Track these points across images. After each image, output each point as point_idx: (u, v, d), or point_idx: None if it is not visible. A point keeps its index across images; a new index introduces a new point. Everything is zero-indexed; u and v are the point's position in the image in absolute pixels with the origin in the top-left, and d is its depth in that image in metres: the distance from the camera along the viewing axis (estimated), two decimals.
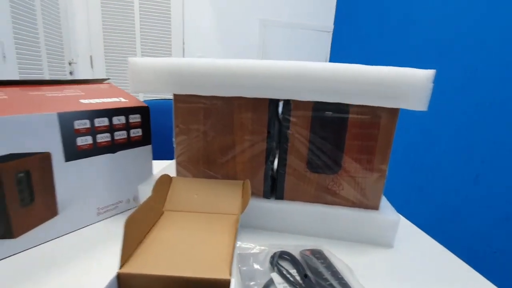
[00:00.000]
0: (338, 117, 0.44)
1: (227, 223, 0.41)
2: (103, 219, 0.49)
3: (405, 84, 0.39)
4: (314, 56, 3.44)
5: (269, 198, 0.49)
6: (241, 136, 0.47)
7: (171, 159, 0.65)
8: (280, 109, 0.47)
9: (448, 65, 1.73)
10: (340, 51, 3.27)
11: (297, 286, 0.35)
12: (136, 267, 0.29)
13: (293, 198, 0.49)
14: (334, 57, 3.39)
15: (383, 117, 0.43)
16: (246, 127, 0.46)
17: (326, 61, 3.48)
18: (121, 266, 0.29)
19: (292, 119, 0.45)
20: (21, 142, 0.37)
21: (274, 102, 0.45)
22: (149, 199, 0.38)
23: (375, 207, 0.47)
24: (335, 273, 0.36)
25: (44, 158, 0.39)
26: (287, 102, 0.45)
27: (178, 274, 0.28)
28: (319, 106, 0.44)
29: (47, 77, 2.32)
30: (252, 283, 0.36)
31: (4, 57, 1.85)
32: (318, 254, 0.40)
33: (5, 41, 1.85)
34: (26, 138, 0.37)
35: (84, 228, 0.46)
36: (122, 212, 0.52)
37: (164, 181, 0.45)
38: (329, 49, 3.43)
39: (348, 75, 0.40)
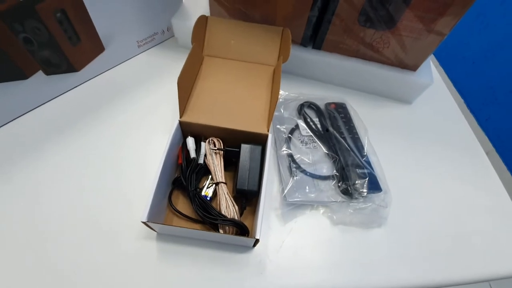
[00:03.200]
0: None
1: (265, 75, 0.43)
2: (144, 51, 0.51)
3: None
4: None
5: (306, 46, 0.48)
6: None
7: None
8: None
9: None
10: None
11: (317, 134, 0.43)
12: (193, 117, 0.36)
13: (332, 49, 0.47)
14: None
15: None
16: None
17: None
18: (181, 115, 0.36)
19: None
20: None
21: None
22: (192, 51, 0.38)
23: (414, 68, 0.46)
24: (352, 128, 0.43)
25: None
26: None
27: (228, 126, 0.36)
28: None
29: None
30: (281, 126, 0.44)
31: None
32: (340, 108, 0.46)
33: None
34: None
35: (129, 60, 0.50)
36: (159, 43, 0.53)
37: (201, 23, 0.42)
38: None
39: None
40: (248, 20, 0.45)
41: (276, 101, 0.36)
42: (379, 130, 0.46)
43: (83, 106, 0.43)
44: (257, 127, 0.36)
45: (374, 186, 0.36)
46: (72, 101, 0.44)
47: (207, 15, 0.44)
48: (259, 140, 0.36)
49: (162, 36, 0.52)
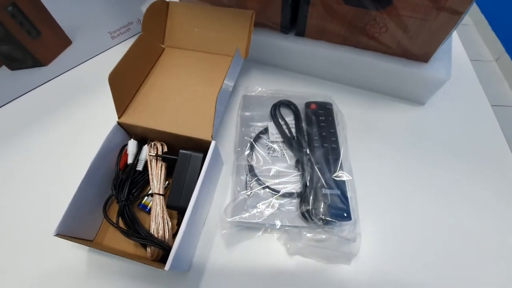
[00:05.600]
0: None
1: (224, 69, 0.37)
2: (119, 43, 0.49)
3: None
4: None
5: (287, 33, 0.40)
6: None
7: None
8: None
9: None
10: None
11: (287, 141, 0.36)
12: (133, 118, 0.32)
13: (317, 36, 0.38)
14: None
15: None
16: None
17: None
18: (119, 116, 0.32)
19: None
20: None
21: None
22: (138, 40, 0.34)
23: (424, 59, 0.35)
24: (330, 135, 0.35)
25: None
26: None
27: (170, 131, 0.31)
28: None
29: None
30: (248, 129, 0.38)
31: None
32: (323, 110, 0.37)
33: None
34: None
35: (103, 53, 0.48)
36: (136, 34, 0.50)
37: (159, 9, 0.37)
38: None
39: None
40: (217, 4, 0.39)
41: (215, 100, 0.30)
42: (375, 137, 0.37)
43: (50, 103, 0.42)
44: (201, 132, 0.31)
45: (340, 213, 0.28)
46: (39, 98, 0.43)
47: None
48: (204, 147, 0.31)
49: (139, 26, 0.49)
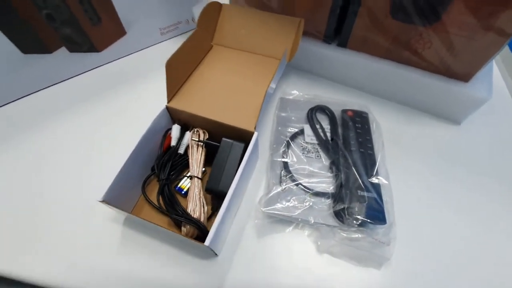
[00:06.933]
0: None
1: (272, 70, 0.39)
2: (167, 39, 0.52)
3: None
4: None
5: (329, 43, 0.42)
6: None
7: None
8: None
9: None
10: None
11: (323, 143, 0.37)
12: (181, 104, 0.34)
13: (359, 48, 0.40)
14: None
15: None
16: None
17: None
18: (169, 100, 0.34)
19: None
20: None
21: None
22: (192, 35, 0.36)
23: (465, 78, 0.36)
24: (366, 142, 0.36)
25: None
26: None
27: (215, 119, 0.32)
28: None
29: None
30: (284, 129, 0.39)
31: None
32: (359, 117, 0.38)
33: None
34: None
35: (152, 47, 0.51)
36: (184, 33, 0.53)
37: (213, 10, 0.40)
38: None
39: None
40: (267, 10, 0.41)
41: (264, 97, 0.31)
42: (406, 151, 0.37)
43: (100, 86, 0.45)
44: (244, 123, 0.32)
45: (376, 215, 0.29)
46: (92, 80, 0.46)
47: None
48: (245, 138, 0.32)
49: (187, 26, 0.52)
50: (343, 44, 0.41)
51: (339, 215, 0.30)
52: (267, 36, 0.40)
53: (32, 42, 0.39)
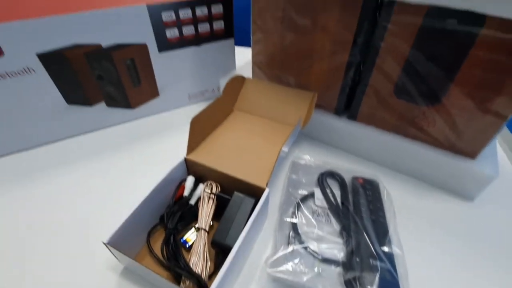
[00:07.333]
0: (462, 31, 0.30)
1: (286, 135, 0.42)
2: (194, 103, 0.58)
3: None
4: None
5: (340, 116, 0.46)
6: (321, 42, 0.40)
7: None
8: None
9: None
10: None
11: (333, 208, 0.36)
12: (199, 157, 0.37)
13: (367, 121, 0.43)
14: None
15: None
16: (328, 31, 0.38)
17: None
18: (188, 153, 0.37)
19: (390, 26, 0.34)
20: (124, 34, 0.43)
21: (371, 0, 0.34)
22: (218, 100, 0.41)
23: (471, 155, 0.38)
24: (377, 210, 0.35)
25: (143, 48, 0.46)
26: (389, 2, 0.33)
27: (229, 173, 0.34)
28: (435, 12, 0.30)
29: None
30: (295, 191, 0.39)
31: None
32: (370, 185, 0.39)
33: None
34: (126, 30, 0.43)
35: (179, 109, 0.57)
36: (209, 100, 0.60)
37: (237, 82, 0.46)
38: None
39: None
40: (284, 84, 0.47)
41: (277, 156, 0.33)
42: (419, 224, 0.36)
43: (128, 138, 0.49)
44: (256, 179, 0.33)
45: (391, 286, 0.26)
46: (122, 132, 0.51)
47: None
48: (256, 194, 0.33)
49: (212, 94, 0.59)
50: (352, 118, 0.44)
51: (350, 284, 0.27)
52: (284, 106, 0.45)
53: (77, 95, 0.45)
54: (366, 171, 0.42)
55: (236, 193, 0.33)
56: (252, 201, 0.32)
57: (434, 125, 0.38)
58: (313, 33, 0.40)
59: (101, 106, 0.48)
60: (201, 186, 0.35)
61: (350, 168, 0.43)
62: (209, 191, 0.34)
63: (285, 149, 0.40)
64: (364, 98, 0.41)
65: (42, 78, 0.41)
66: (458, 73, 0.33)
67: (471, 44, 0.30)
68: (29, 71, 0.40)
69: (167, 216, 0.32)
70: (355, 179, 0.40)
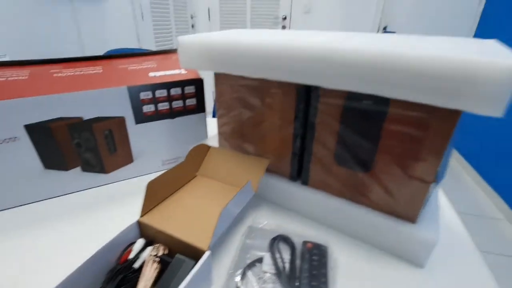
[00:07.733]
0: (375, 110, 0.36)
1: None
2: (167, 169, 0.62)
3: (472, 80, 0.28)
4: (452, 29, 2.62)
5: (295, 181, 0.49)
6: (271, 118, 0.46)
7: None
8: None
9: None
10: (493, 22, 2.30)
11: (279, 273, 0.37)
12: (151, 219, 0.39)
13: (319, 187, 0.47)
14: (483, 30, 2.48)
15: (435, 117, 0.33)
16: (275, 109, 0.45)
17: (470, 35, 2.62)
18: (142, 215, 0.39)
19: (320, 107, 0.40)
20: (104, 109, 0.50)
21: (304, 86, 0.41)
22: (178, 166, 0.45)
23: (410, 219, 0.39)
24: (320, 276, 0.35)
25: (121, 121, 0.53)
26: (316, 88, 0.40)
27: (174, 234, 0.36)
28: (353, 95, 0.37)
29: (173, 30, 2.75)
30: (247, 255, 0.40)
31: (142, 16, 2.30)
32: (317, 250, 0.40)
33: (142, 3, 2.28)
34: (107, 106, 0.51)
35: (152, 174, 0.61)
36: None
37: (201, 149, 0.52)
38: (477, 19, 2.55)
39: (391, 61, 0.31)
40: (244, 153, 0.52)
41: (218, 217, 0.35)
42: None
43: (98, 201, 0.52)
44: (199, 241, 0.35)
45: None
46: (94, 195, 0.54)
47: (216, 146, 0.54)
48: (200, 256, 0.34)
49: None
50: (305, 183, 0.48)
51: None
52: (241, 171, 0.49)
53: (56, 160, 0.50)
54: (318, 235, 0.43)
55: (177, 256, 0.34)
56: (193, 263, 0.33)
57: (371, 191, 0.41)
58: (263, 110, 0.47)
59: (76, 170, 0.52)
60: (148, 249, 0.36)
61: (303, 232, 0.44)
62: (155, 254, 0.35)
63: (235, 209, 0.42)
64: (311, 165, 0.45)
65: (25, 145, 0.46)
66: (379, 144, 0.37)
67: (384, 119, 0.36)
68: (14, 139, 0.45)
69: (107, 280, 0.33)
70: (305, 243, 0.41)
